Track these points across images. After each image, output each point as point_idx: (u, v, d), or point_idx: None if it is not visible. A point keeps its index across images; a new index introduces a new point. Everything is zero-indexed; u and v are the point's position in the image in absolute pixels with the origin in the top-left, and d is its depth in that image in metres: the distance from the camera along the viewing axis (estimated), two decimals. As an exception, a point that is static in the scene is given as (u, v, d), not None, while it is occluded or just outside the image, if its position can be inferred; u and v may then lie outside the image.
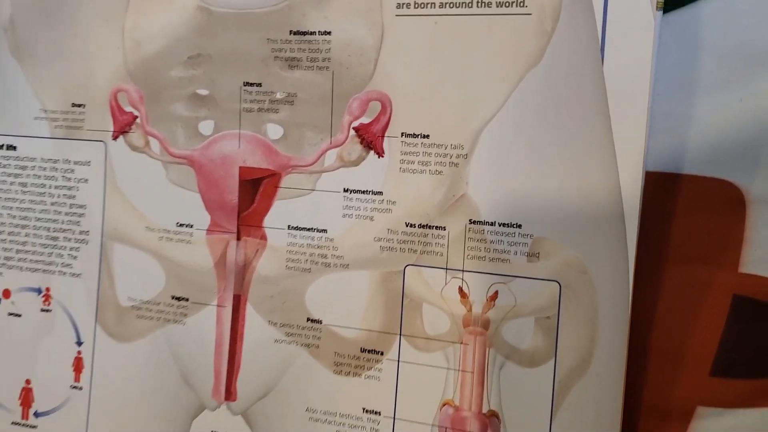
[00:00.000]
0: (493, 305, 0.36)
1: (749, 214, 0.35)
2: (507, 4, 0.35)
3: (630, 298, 0.34)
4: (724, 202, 0.35)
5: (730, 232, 0.35)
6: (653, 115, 0.35)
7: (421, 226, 0.37)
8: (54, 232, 0.45)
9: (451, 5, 0.36)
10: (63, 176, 0.44)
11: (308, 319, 0.40)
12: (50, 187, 0.45)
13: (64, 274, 0.45)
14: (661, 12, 0.35)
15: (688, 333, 0.36)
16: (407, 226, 0.38)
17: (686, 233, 0.36)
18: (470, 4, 0.36)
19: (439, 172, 0.37)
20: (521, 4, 0.35)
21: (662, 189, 0.36)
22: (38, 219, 0.45)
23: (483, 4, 0.35)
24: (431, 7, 0.36)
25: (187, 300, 0.42)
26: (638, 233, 0.34)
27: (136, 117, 0.42)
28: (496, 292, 0.36)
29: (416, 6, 0.36)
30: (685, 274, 0.36)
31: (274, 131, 0.40)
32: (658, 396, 0.36)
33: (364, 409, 0.39)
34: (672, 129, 0.36)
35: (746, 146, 0.35)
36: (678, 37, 0.36)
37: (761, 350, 0.35)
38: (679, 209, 0.36)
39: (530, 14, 0.35)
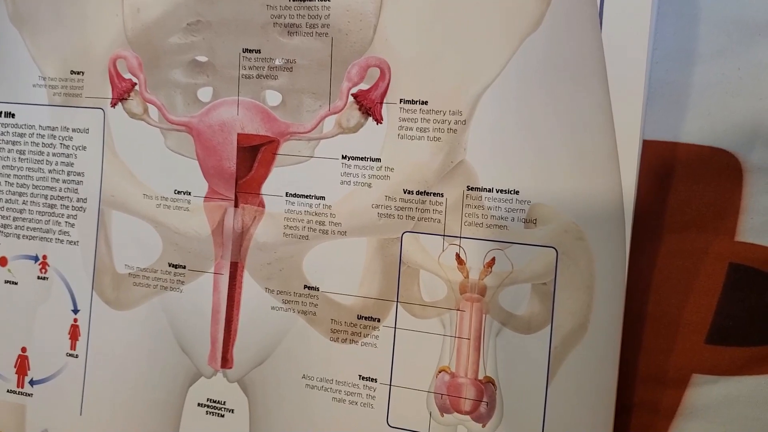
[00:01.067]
0: (490, 272, 0.36)
1: (746, 182, 0.35)
2: (507, -30, 0.35)
3: (626, 264, 0.34)
4: (721, 171, 0.35)
5: (727, 201, 0.35)
6: (651, 83, 0.35)
7: (418, 192, 0.37)
8: (51, 199, 0.45)
9: (451, -30, 0.36)
10: (61, 144, 0.44)
11: (305, 287, 0.40)
12: (48, 154, 0.44)
13: (61, 241, 0.44)
14: (661, -20, 0.35)
15: (684, 300, 0.36)
16: (405, 192, 0.38)
17: (683, 201, 0.36)
18: (470, -30, 0.36)
19: (438, 139, 0.37)
20: (521, -30, 0.35)
21: (660, 157, 0.36)
22: (36, 186, 0.45)
23: (483, -30, 0.35)
24: (431, -27, 0.36)
25: (184, 267, 0.42)
26: (635, 200, 0.34)
27: (135, 84, 0.42)
28: (493, 259, 0.36)
29: (416, -29, 0.36)
30: (681, 242, 0.36)
31: (272, 98, 0.40)
32: (654, 363, 0.36)
33: (360, 376, 0.39)
34: (670, 98, 0.36)
35: (744, 115, 0.35)
36: (677, 6, 0.36)
37: (757, 318, 0.35)
38: (677, 177, 0.36)
39: (530, -21, 0.35)
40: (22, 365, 0.45)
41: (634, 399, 0.37)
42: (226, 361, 0.41)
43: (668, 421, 0.36)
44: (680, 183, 0.36)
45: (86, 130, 0.44)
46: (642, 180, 0.35)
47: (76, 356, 0.44)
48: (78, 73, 0.44)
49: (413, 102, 0.37)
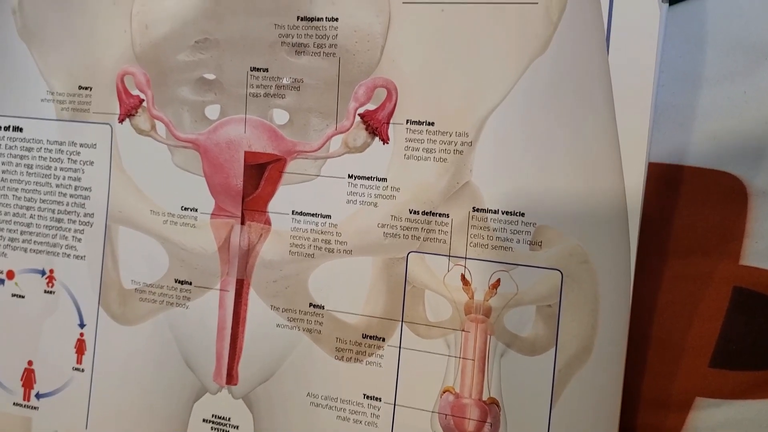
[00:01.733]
0: (495, 293, 0.36)
1: (751, 206, 0.35)
2: (514, -7, 0.35)
3: (631, 288, 0.34)
4: (726, 195, 0.36)
5: (732, 224, 0.36)
6: (657, 106, 0.36)
7: (424, 213, 0.37)
8: (59, 214, 0.45)
9: (459, -7, 0.36)
10: (69, 158, 0.44)
11: (311, 305, 0.40)
12: (56, 169, 0.45)
13: (68, 256, 0.45)
14: (667, 4, 0.35)
15: (689, 324, 0.36)
16: (411, 212, 0.38)
17: (688, 225, 0.36)
18: (477, -7, 0.36)
19: (444, 160, 0.37)
20: (528, -7, 0.35)
21: (665, 180, 0.36)
22: (43, 201, 0.45)
23: (490, -7, 0.36)
24: (438, -5, 0.36)
25: (190, 284, 0.42)
26: (640, 224, 0.34)
27: (143, 100, 0.42)
28: (498, 280, 0.36)
29: (423, -7, 0.37)
30: (686, 266, 0.36)
31: (280, 116, 0.40)
32: (658, 386, 0.36)
33: (365, 395, 0.39)
34: (676, 121, 0.36)
35: (749, 139, 0.35)
36: (683, 30, 0.36)
37: (761, 342, 0.35)
38: (682, 201, 0.36)
39: (536, 3, 0.35)
40: (28, 378, 0.46)
41: (638, 422, 0.37)
42: (231, 378, 0.41)
43: (672, 444, 0.36)
44: (685, 206, 0.36)
45: (94, 145, 0.44)
46: (647, 202, 0.35)
47: (82, 370, 0.44)
48: (86, 88, 0.44)
49: (420, 123, 0.37)
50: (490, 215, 0.36)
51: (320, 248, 0.39)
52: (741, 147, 0.35)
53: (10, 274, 0.46)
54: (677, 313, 0.36)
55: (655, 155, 0.36)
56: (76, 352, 0.45)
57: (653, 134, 0.35)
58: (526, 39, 0.35)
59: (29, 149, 0.45)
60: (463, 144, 0.37)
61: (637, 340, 0.36)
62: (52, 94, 0.45)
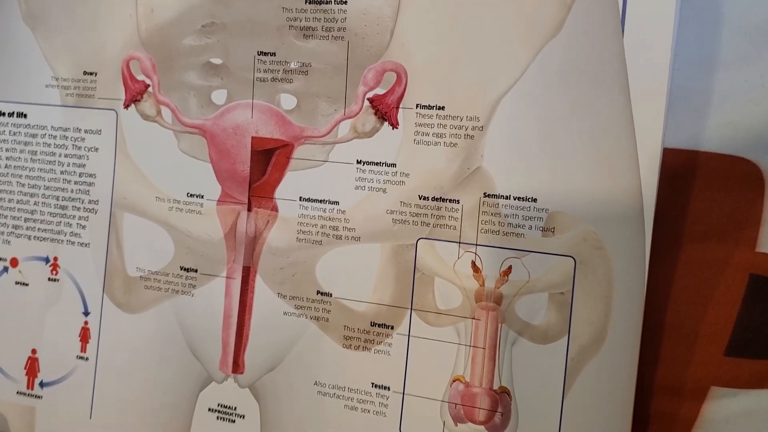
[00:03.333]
0: (507, 280, 0.36)
1: (767, 192, 0.35)
2: (527, -26, 0.35)
3: (646, 274, 0.34)
4: (743, 180, 0.35)
5: (748, 211, 0.35)
6: (672, 90, 0.35)
7: (434, 198, 0.37)
8: (63, 201, 0.44)
9: (470, -26, 0.35)
10: (73, 144, 0.44)
11: (318, 292, 0.39)
12: (60, 155, 0.44)
13: (73, 243, 0.44)
14: (683, -13, 0.34)
15: (704, 312, 0.35)
16: (420, 198, 0.37)
17: (704, 211, 0.35)
18: (489, -26, 0.35)
19: (454, 145, 0.36)
20: (542, -26, 0.34)
21: (680, 166, 0.35)
22: (47, 187, 0.45)
23: (503, -26, 0.35)
24: (450, -24, 0.36)
25: (196, 271, 0.42)
26: (655, 209, 0.34)
27: (148, 85, 0.42)
28: (510, 267, 0.36)
29: (435, -25, 0.36)
30: (701, 252, 0.35)
31: (287, 101, 0.39)
32: (672, 375, 0.36)
33: (373, 383, 0.38)
34: (691, 106, 0.35)
35: (766, 124, 0.34)
36: (699, 13, 0.35)
37: (777, 330, 0.35)
38: (697, 186, 0.35)
39: (551, -16, 0.34)
40: (32, 367, 0.45)
41: (651, 411, 0.36)
42: (237, 366, 0.41)
43: (687, 433, 0.36)
44: (701, 192, 0.35)
45: (98, 132, 0.43)
46: (662, 188, 0.34)
47: (87, 359, 0.44)
48: (91, 73, 0.43)
49: (430, 107, 0.37)
50: (501, 201, 0.36)
51: (328, 235, 0.39)
52: (758, 132, 0.35)
53: (14, 262, 0.46)
54: (692, 300, 0.35)
55: (671, 140, 0.35)
56: (81, 341, 0.44)
57: (668, 119, 0.35)
58: (539, 21, 0.35)
59: (33, 135, 0.45)
60: (474, 128, 0.36)
61: (652, 327, 0.35)
62: (57, 79, 0.44)
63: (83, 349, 0.44)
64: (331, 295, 0.39)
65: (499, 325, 0.36)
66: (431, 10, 0.36)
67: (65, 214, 0.44)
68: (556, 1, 0.34)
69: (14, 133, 0.45)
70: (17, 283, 0.46)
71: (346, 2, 0.38)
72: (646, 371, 0.35)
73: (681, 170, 0.36)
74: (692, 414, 0.36)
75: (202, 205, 0.41)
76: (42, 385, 0.45)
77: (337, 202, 0.39)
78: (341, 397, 0.39)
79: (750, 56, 0.35)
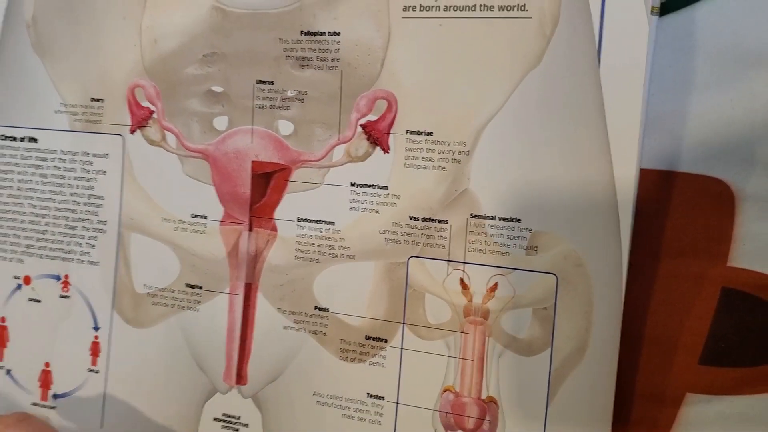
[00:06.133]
0: (493, 296, 0.38)
1: (738, 210, 0.37)
2: (508, 8, 0.37)
3: (623, 290, 0.36)
4: (715, 199, 0.37)
5: (721, 228, 0.37)
6: (649, 114, 0.37)
7: (424, 219, 0.39)
8: (73, 221, 0.46)
9: (455, 8, 0.37)
10: (82, 168, 0.46)
11: (316, 307, 0.41)
12: (69, 178, 0.46)
13: (83, 262, 0.46)
14: (657, 16, 0.36)
15: (679, 323, 0.37)
16: (411, 219, 0.39)
17: (679, 228, 0.37)
18: (473, 8, 0.37)
19: (442, 168, 0.38)
20: (522, 8, 0.36)
21: (656, 185, 0.37)
22: (58, 209, 0.47)
23: (485, 8, 0.37)
24: (436, 10, 0.38)
25: (200, 288, 0.44)
26: (632, 228, 0.36)
27: (153, 112, 0.44)
28: (496, 284, 0.38)
29: (421, 9, 0.38)
30: (677, 267, 0.37)
31: (285, 127, 0.41)
32: (650, 383, 0.38)
33: (368, 393, 0.40)
34: (666, 128, 0.37)
35: (737, 145, 0.36)
36: (673, 39, 0.37)
37: (748, 340, 0.37)
38: (673, 205, 0.37)
39: (530, 18, 0.36)
40: (45, 379, 0.47)
41: (631, 416, 0.38)
42: (240, 378, 0.43)
43: (663, 438, 0.38)
44: (676, 210, 0.37)
45: (106, 155, 0.45)
46: (639, 208, 0.37)
47: (97, 371, 0.46)
48: (98, 100, 0.45)
49: (419, 133, 0.39)
50: (487, 221, 0.38)
51: (324, 253, 0.41)
52: (729, 153, 0.37)
53: (27, 280, 0.48)
54: (668, 312, 0.37)
55: (647, 161, 0.37)
56: (91, 354, 0.46)
57: (645, 141, 0.37)
58: (521, 52, 0.37)
59: (44, 159, 0.47)
60: (460, 153, 0.38)
61: (630, 338, 0.37)
62: (65, 105, 0.46)
63: (94, 362, 0.46)
64: (328, 310, 0.41)
65: (487, 338, 0.38)
66: (419, 43, 0.38)
67: (75, 234, 0.46)
68: (536, 33, 0.36)
69: (25, 157, 0.47)
70: (30, 299, 0.48)
71: (339, 34, 0.40)
72: (626, 379, 0.37)
73: (657, 190, 0.37)
74: (670, 419, 0.38)
75: (205, 225, 0.43)
76: (55, 396, 0.47)
77: (332, 223, 0.41)
78: (339, 407, 0.41)
79: (721, 81, 0.37)
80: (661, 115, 0.37)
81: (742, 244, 0.37)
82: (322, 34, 0.40)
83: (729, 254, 0.37)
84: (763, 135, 0.36)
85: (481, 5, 0.37)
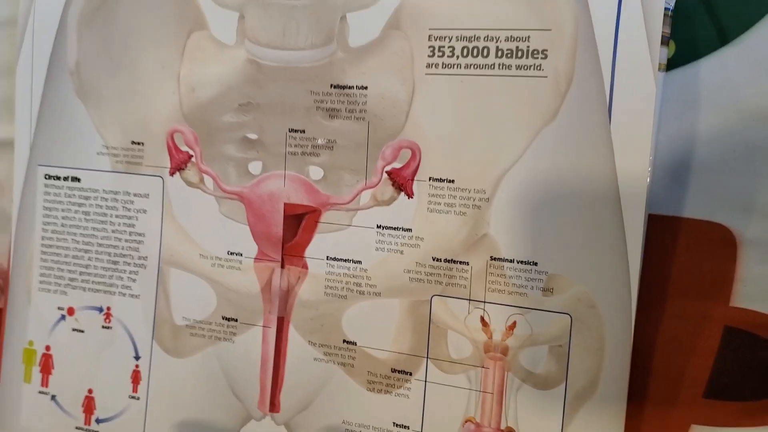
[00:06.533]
0: (512, 334, 0.41)
1: (740, 254, 0.39)
2: (525, 67, 0.39)
3: (633, 329, 0.38)
4: (719, 243, 0.39)
5: (724, 270, 0.39)
6: (657, 162, 0.39)
7: (446, 260, 0.42)
8: (114, 257, 0.49)
9: (476, 66, 0.40)
10: (123, 207, 0.49)
11: (344, 341, 0.44)
12: (111, 216, 0.49)
13: (124, 295, 0.49)
14: (664, 72, 0.39)
15: (685, 359, 0.40)
16: (434, 260, 0.42)
17: (685, 270, 0.40)
18: (492, 66, 0.40)
19: (463, 213, 0.41)
20: (538, 68, 0.39)
21: (664, 230, 0.40)
22: (100, 245, 0.50)
23: (504, 66, 0.40)
24: (457, 68, 0.41)
25: (236, 320, 0.47)
26: (641, 270, 0.38)
27: (191, 156, 0.47)
28: (515, 322, 0.41)
29: (444, 66, 0.41)
30: (682, 307, 0.40)
31: (315, 172, 0.44)
32: (657, 415, 0.40)
33: (394, 423, 0.43)
34: (673, 176, 0.40)
35: (738, 193, 0.39)
36: (680, 93, 0.40)
37: (749, 375, 0.39)
38: (679, 248, 0.40)
39: (546, 77, 0.39)
40: (88, 405, 0.50)
41: (640, 447, 0.41)
42: (273, 406, 0.46)
43: (670, 467, 0.41)
44: (682, 253, 0.40)
45: (146, 195, 0.48)
46: (648, 251, 0.39)
47: (138, 398, 0.49)
48: (138, 143, 0.48)
49: (441, 180, 0.41)
50: (506, 264, 0.41)
51: (352, 290, 0.44)
52: (731, 200, 0.39)
53: (71, 311, 0.51)
54: (675, 349, 0.40)
55: (655, 208, 0.40)
56: (132, 382, 0.49)
57: (654, 189, 0.39)
58: (537, 108, 0.39)
59: (87, 198, 0.50)
60: (480, 200, 0.41)
61: (639, 373, 0.40)
62: (107, 148, 0.49)
63: (135, 389, 0.49)
64: (355, 344, 0.44)
65: (506, 373, 0.41)
66: (441, 97, 0.41)
67: (117, 269, 0.49)
68: (551, 92, 0.39)
69: (69, 195, 0.50)
70: (74, 329, 0.51)
71: (366, 87, 0.42)
72: (635, 411, 0.40)
73: (665, 234, 0.40)
74: (675, 450, 0.41)
75: (241, 262, 0.46)
76: (98, 421, 0.50)
77: (360, 262, 0.44)
78: (366, 435, 0.44)
79: (724, 132, 0.39)
80: (669, 164, 0.40)
81: (744, 286, 0.39)
82: (350, 87, 0.43)
83: (731, 295, 0.40)
84: (763, 184, 0.39)
85: (500, 64, 0.40)
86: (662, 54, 0.38)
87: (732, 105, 0.39)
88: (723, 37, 0.39)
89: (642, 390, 0.40)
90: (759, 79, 0.39)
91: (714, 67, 0.39)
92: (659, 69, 0.38)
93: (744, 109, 0.39)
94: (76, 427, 0.51)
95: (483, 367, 0.41)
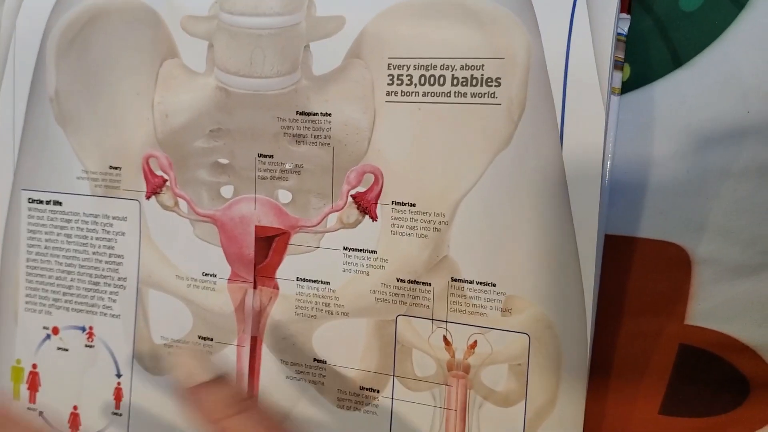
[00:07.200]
0: (473, 352, 0.42)
1: (694, 272, 0.40)
2: (480, 95, 0.40)
3: (589, 349, 0.39)
4: (673, 262, 0.40)
5: (678, 289, 0.40)
6: (612, 184, 0.40)
7: (410, 281, 0.43)
8: (95, 278, 0.51)
9: (432, 94, 0.41)
10: (103, 229, 0.50)
11: (315, 359, 0.46)
12: (92, 238, 0.51)
13: (105, 314, 0.51)
14: (618, 96, 0.40)
15: (641, 376, 0.41)
16: (398, 281, 0.43)
17: (640, 289, 0.41)
18: (448, 94, 0.41)
19: (425, 236, 0.42)
20: (492, 95, 0.40)
21: (620, 250, 0.41)
22: (82, 266, 0.51)
23: (459, 95, 0.41)
24: (415, 96, 0.42)
25: (211, 340, 0.48)
26: (598, 290, 0.39)
27: (166, 180, 0.48)
28: (475, 341, 0.42)
29: (402, 94, 0.42)
30: (638, 325, 0.41)
31: (284, 196, 0.45)
32: (615, 431, 0.41)
33: (363, 439, 0.45)
34: (628, 197, 0.41)
35: (691, 213, 0.40)
36: (634, 115, 0.40)
37: (703, 392, 0.40)
38: (634, 268, 0.41)
39: (500, 104, 0.40)
40: (74, 421, 0.52)
41: (599, 462, 0.42)
42: (249, 422, 0.47)
43: (626, 482, 0.42)
44: (637, 272, 0.41)
45: (124, 218, 0.50)
46: (604, 271, 0.40)
47: (120, 414, 0.51)
48: (116, 168, 0.50)
49: (403, 204, 0.43)
50: (466, 285, 0.42)
51: (321, 310, 0.45)
52: (685, 220, 0.40)
53: (55, 330, 0.52)
54: (631, 367, 0.41)
55: (611, 228, 0.41)
56: (114, 399, 0.51)
57: (609, 209, 0.40)
58: (491, 135, 0.40)
59: (68, 221, 0.51)
60: (440, 223, 0.42)
61: (596, 390, 0.41)
62: (87, 172, 0.51)
63: (117, 406, 0.51)
64: (325, 362, 0.45)
65: (468, 390, 0.42)
66: (401, 123, 0.42)
67: (98, 290, 0.51)
68: (504, 119, 0.40)
69: (51, 219, 0.52)
70: (59, 348, 0.52)
71: (330, 114, 0.44)
72: (592, 428, 0.41)
73: (620, 254, 0.41)
74: (632, 465, 0.42)
75: (215, 283, 0.48)
76: (83, 436, 0.52)
77: (328, 282, 0.45)
78: (337, 450, 0.45)
79: (677, 154, 0.40)
80: (623, 185, 0.41)
81: (698, 304, 0.40)
82: (315, 114, 0.44)
83: (686, 313, 0.40)
84: (716, 204, 0.40)
85: (455, 92, 0.41)
86: (616, 78, 0.39)
87: (686, 126, 0.40)
88: (677, 60, 0.40)
89: (599, 407, 0.41)
90: (711, 100, 0.39)
91: (668, 90, 0.40)
92: (613, 93, 0.39)
93: (696, 131, 0.40)
94: (63, 443, 0.52)
95: (446, 384, 0.42)
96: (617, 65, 0.39)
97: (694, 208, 0.40)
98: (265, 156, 0.45)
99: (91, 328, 0.51)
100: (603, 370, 0.41)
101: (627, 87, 0.41)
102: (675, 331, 0.41)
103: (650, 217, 0.40)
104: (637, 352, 0.41)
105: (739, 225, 0.40)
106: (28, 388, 0.53)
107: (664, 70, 0.40)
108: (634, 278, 0.41)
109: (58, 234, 0.52)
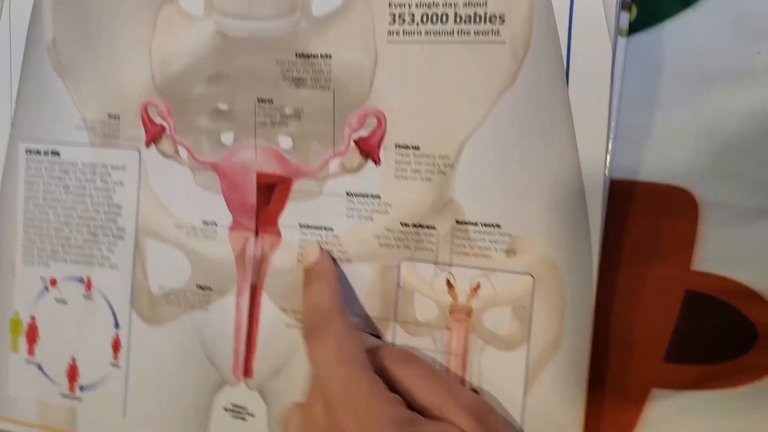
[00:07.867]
0: (476, 295, 0.41)
1: (701, 217, 0.39)
2: (483, 33, 0.40)
3: (594, 291, 0.39)
4: (679, 206, 0.39)
5: (684, 233, 0.40)
6: (618, 127, 0.40)
7: (414, 225, 0.42)
8: (94, 228, 0.50)
9: (435, 33, 0.41)
10: (101, 179, 0.50)
11: (316, 307, 0.45)
12: (90, 189, 0.50)
13: (103, 265, 0.50)
14: (626, 37, 0.39)
15: (646, 323, 0.40)
16: (402, 225, 0.43)
17: (645, 234, 0.40)
18: (451, 32, 0.40)
19: (429, 179, 0.42)
20: (496, 33, 0.39)
21: (625, 194, 0.40)
22: (80, 217, 0.51)
23: (462, 33, 0.40)
24: (418, 35, 0.41)
25: (210, 289, 0.47)
26: (602, 233, 0.39)
27: (166, 128, 0.47)
28: (479, 284, 0.41)
29: (405, 34, 0.41)
30: (643, 271, 0.40)
31: (285, 142, 0.45)
32: (618, 378, 0.41)
33: (364, 385, 0.44)
34: (634, 140, 0.40)
35: (698, 156, 0.39)
36: (642, 57, 0.40)
37: (709, 339, 0.40)
38: (640, 212, 0.40)
39: (504, 42, 0.39)
40: (72, 373, 0.51)
41: (602, 409, 0.41)
42: (247, 372, 0.47)
43: (631, 429, 0.41)
44: (643, 217, 0.40)
45: (123, 167, 0.49)
46: (609, 214, 0.39)
47: (119, 366, 0.50)
48: (114, 116, 0.49)
49: (407, 147, 0.42)
50: (470, 227, 0.41)
51: (324, 257, 0.45)
52: (691, 163, 0.39)
53: (53, 282, 0.52)
54: (636, 313, 0.40)
55: (616, 172, 0.40)
56: (113, 350, 0.50)
57: (615, 153, 0.40)
58: (496, 74, 0.40)
59: (66, 171, 0.51)
60: (445, 165, 0.41)
61: (600, 337, 0.40)
62: (85, 122, 0.50)
63: (115, 357, 0.50)
64: (327, 310, 0.45)
65: (469, 334, 0.42)
66: (404, 65, 0.41)
67: (96, 240, 0.50)
68: (509, 57, 0.39)
69: (49, 170, 0.51)
70: (57, 300, 0.52)
71: (330, 56, 0.43)
72: (596, 375, 0.40)
73: (626, 197, 0.40)
74: (637, 412, 0.41)
75: (215, 231, 0.47)
76: (81, 388, 0.51)
77: (331, 229, 0.44)
78: (338, 398, 0.45)
79: (685, 97, 0.39)
80: (630, 128, 0.40)
81: (705, 250, 0.40)
82: (315, 56, 0.43)
83: (692, 259, 0.40)
84: (724, 147, 0.39)
85: (458, 30, 0.40)
86: (623, 19, 0.39)
87: (694, 68, 0.39)
88: (685, 0, 0.39)
89: (603, 352, 0.41)
90: (719, 43, 0.39)
91: (676, 31, 0.39)
92: (620, 34, 0.38)
93: (705, 73, 0.39)
94: (61, 394, 0.52)
95: (448, 329, 0.42)
96: (624, 5, 0.39)
97: (701, 152, 0.39)
98: (264, 101, 0.45)
99: (89, 279, 0.51)
100: (607, 316, 0.41)
101: (634, 28, 0.40)
102: (681, 276, 0.40)
103: (656, 160, 0.40)
104: (643, 298, 0.40)
105: (747, 168, 0.39)
106: (27, 341, 0.53)
107: (672, 11, 0.40)
108: (640, 223, 0.40)
109: (56, 185, 0.51)
